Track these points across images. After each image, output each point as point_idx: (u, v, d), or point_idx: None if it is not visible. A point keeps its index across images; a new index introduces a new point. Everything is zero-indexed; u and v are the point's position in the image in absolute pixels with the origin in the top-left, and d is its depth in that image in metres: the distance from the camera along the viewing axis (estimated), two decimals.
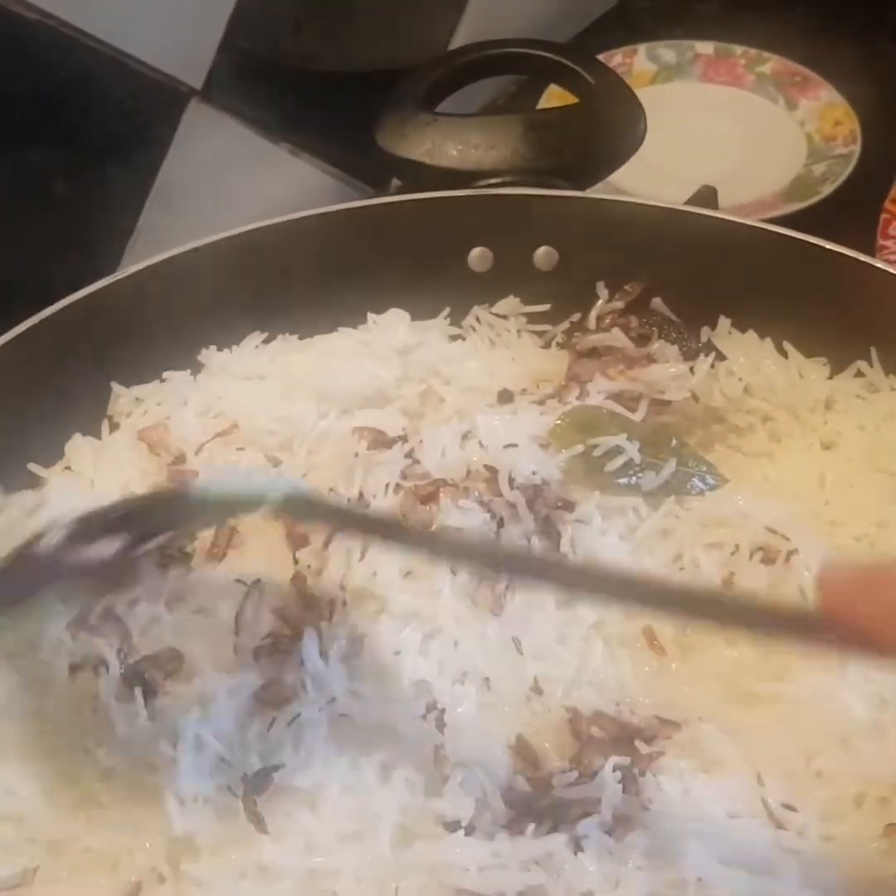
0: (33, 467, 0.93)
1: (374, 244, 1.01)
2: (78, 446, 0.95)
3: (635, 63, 1.62)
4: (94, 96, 1.19)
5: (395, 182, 1.15)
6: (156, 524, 0.74)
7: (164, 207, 1.26)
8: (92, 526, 0.71)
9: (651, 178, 1.42)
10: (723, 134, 1.56)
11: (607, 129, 1.02)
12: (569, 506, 0.87)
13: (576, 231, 1.00)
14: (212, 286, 0.99)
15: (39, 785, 0.75)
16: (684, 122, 1.57)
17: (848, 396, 0.95)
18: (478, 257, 1.02)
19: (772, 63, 1.60)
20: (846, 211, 1.40)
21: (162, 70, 1.22)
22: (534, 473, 0.87)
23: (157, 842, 0.73)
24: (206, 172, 1.29)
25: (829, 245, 0.94)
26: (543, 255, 1.02)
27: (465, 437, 0.90)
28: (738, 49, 1.62)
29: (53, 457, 0.94)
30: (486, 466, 0.87)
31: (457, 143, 1.02)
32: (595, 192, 1.03)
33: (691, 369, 0.95)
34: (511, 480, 0.86)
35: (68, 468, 0.94)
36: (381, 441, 0.90)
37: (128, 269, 0.99)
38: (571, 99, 1.08)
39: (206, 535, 0.83)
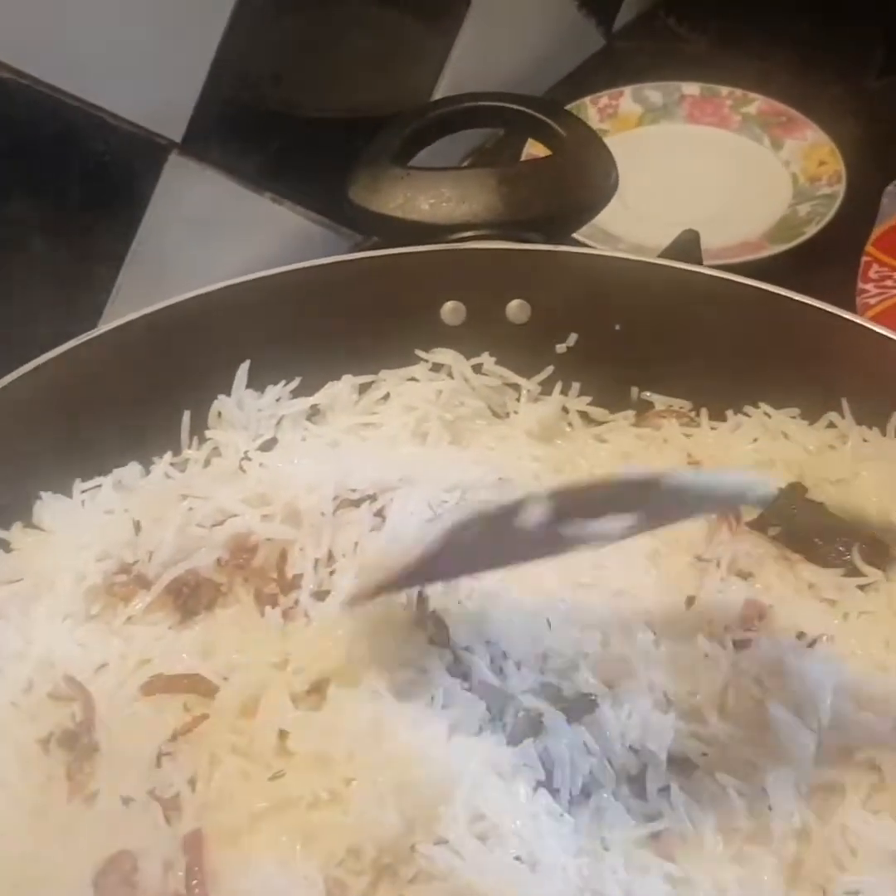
0: None
1: (346, 300, 1.01)
2: (47, 505, 0.94)
3: (621, 105, 1.63)
4: (72, 152, 1.19)
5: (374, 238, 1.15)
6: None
7: (145, 262, 1.26)
8: (580, 501, 0.71)
9: (636, 220, 1.42)
10: (709, 175, 1.56)
11: (578, 181, 1.02)
12: None
13: (547, 284, 1.00)
14: (185, 345, 0.99)
15: None
16: (670, 163, 1.58)
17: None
18: (450, 311, 1.02)
19: (757, 103, 1.61)
20: (831, 250, 1.40)
21: (140, 124, 1.23)
22: None
23: None
24: (187, 224, 1.29)
25: (799, 297, 0.94)
26: (516, 307, 1.01)
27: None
28: (724, 90, 1.63)
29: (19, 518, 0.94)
30: None
31: (429, 197, 1.02)
32: (568, 244, 1.03)
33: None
34: None
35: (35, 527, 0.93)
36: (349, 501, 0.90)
37: (106, 325, 0.98)
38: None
39: None
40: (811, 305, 0.93)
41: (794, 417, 0.97)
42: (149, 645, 0.87)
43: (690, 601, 0.86)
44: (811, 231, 1.43)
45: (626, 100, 1.63)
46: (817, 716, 0.78)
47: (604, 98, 1.62)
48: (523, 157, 1.45)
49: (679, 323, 0.98)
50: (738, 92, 1.62)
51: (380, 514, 0.89)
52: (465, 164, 1.53)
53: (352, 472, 0.96)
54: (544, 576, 0.85)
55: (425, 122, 1.08)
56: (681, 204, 1.48)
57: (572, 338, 1.01)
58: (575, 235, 1.09)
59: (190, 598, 0.89)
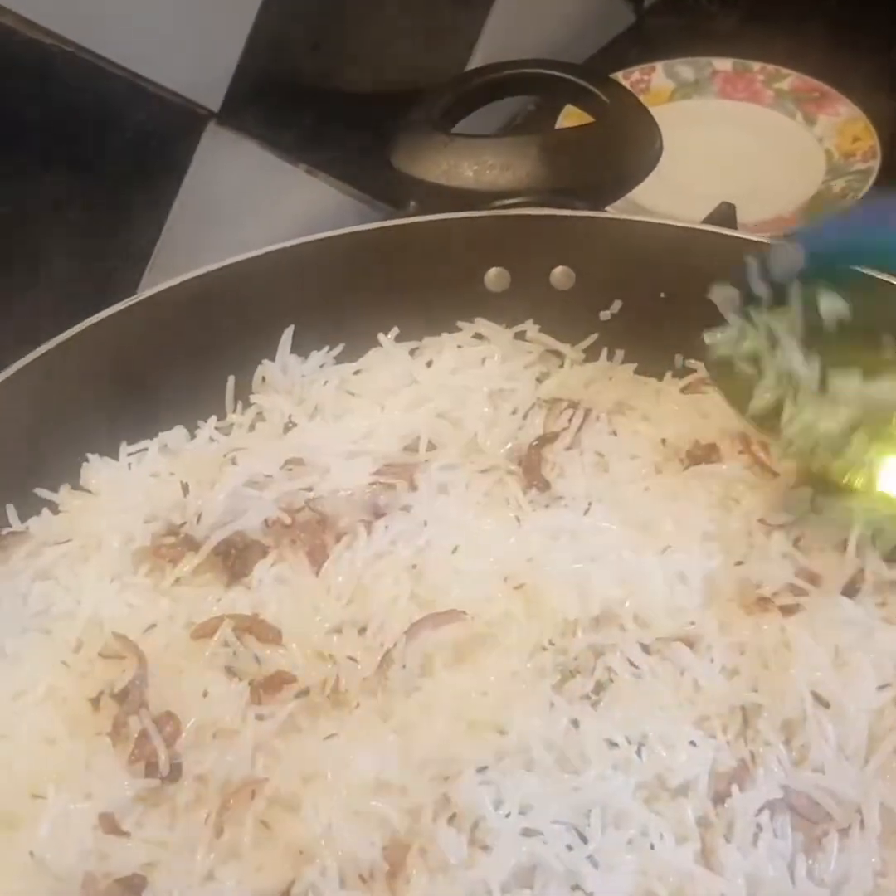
0: (41, 492, 0.93)
1: (390, 266, 1.01)
2: (94, 468, 0.95)
3: (653, 80, 1.62)
4: (111, 121, 1.19)
5: (413, 203, 1.14)
6: None
7: (182, 231, 1.26)
8: None
9: (669, 195, 1.41)
10: (741, 151, 1.55)
11: (622, 148, 1.02)
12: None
13: (592, 250, 0.99)
14: (229, 310, 0.99)
15: None
16: (702, 138, 1.56)
17: None
18: (494, 278, 1.02)
19: (790, 79, 1.60)
20: None
21: (180, 93, 1.23)
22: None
23: None
24: (224, 195, 1.29)
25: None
26: (560, 274, 1.01)
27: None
28: (756, 65, 1.62)
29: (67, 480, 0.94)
30: None
31: (472, 164, 1.02)
32: (611, 211, 1.03)
33: None
34: None
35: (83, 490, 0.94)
36: None
37: (144, 292, 0.99)
38: (589, 119, 1.08)
39: None
40: (860, 273, 0.91)
41: None
42: (197, 606, 0.87)
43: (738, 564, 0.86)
44: (845, 207, 1.42)
45: (658, 75, 1.62)
46: None
47: (636, 73, 1.61)
48: None
49: None
50: (771, 67, 1.61)
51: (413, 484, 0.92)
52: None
53: (395, 436, 0.97)
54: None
55: (468, 88, 1.08)
56: (713, 179, 1.47)
57: (616, 305, 1.01)
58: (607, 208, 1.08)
59: (238, 559, 0.89)
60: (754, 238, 0.98)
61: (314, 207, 1.40)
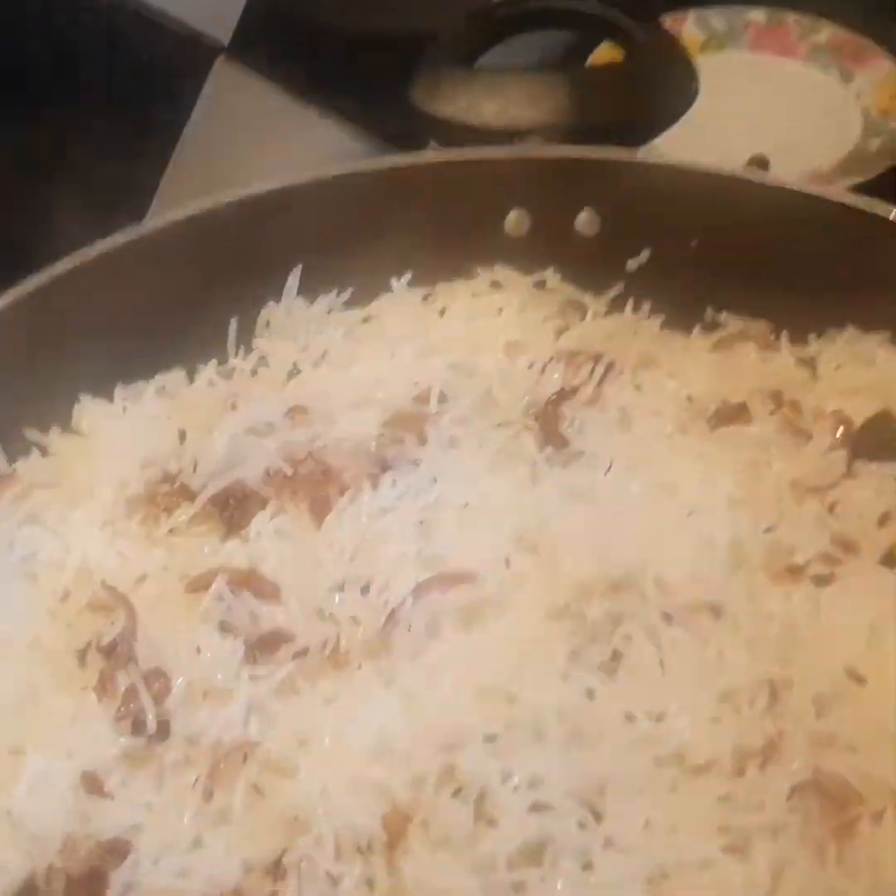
0: (30, 433, 0.89)
1: (404, 207, 0.95)
2: (87, 410, 0.91)
3: (684, 30, 1.55)
4: (118, 53, 1.16)
5: (433, 143, 1.09)
6: None
7: (187, 168, 1.22)
8: None
9: (699, 147, 1.35)
10: (774, 105, 1.49)
11: (658, 86, 0.97)
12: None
13: (620, 194, 0.94)
14: (234, 247, 0.94)
15: None
16: (733, 92, 1.50)
17: None
18: (514, 221, 0.96)
19: (826, 32, 1.53)
20: None
21: (188, 24, 1.19)
22: None
23: None
24: (231, 131, 1.24)
25: (893, 215, 0.88)
26: (585, 219, 0.96)
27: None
28: (792, 17, 1.55)
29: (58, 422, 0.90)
30: None
31: (495, 100, 0.97)
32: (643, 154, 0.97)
33: None
34: None
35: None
36: None
37: (146, 225, 0.94)
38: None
39: None
40: None
41: (881, 343, 0.91)
42: (192, 557, 0.83)
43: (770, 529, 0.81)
44: (882, 166, 1.36)
45: (689, 25, 1.56)
46: None
47: (666, 21, 1.54)
48: None
49: (761, 239, 0.92)
50: (806, 19, 1.54)
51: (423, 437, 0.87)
52: None
53: (405, 386, 0.92)
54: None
55: (493, 22, 1.02)
56: (745, 133, 1.41)
57: (644, 253, 0.96)
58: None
59: (236, 510, 0.85)
60: (796, 187, 0.92)
61: (325, 149, 1.34)
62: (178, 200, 1.09)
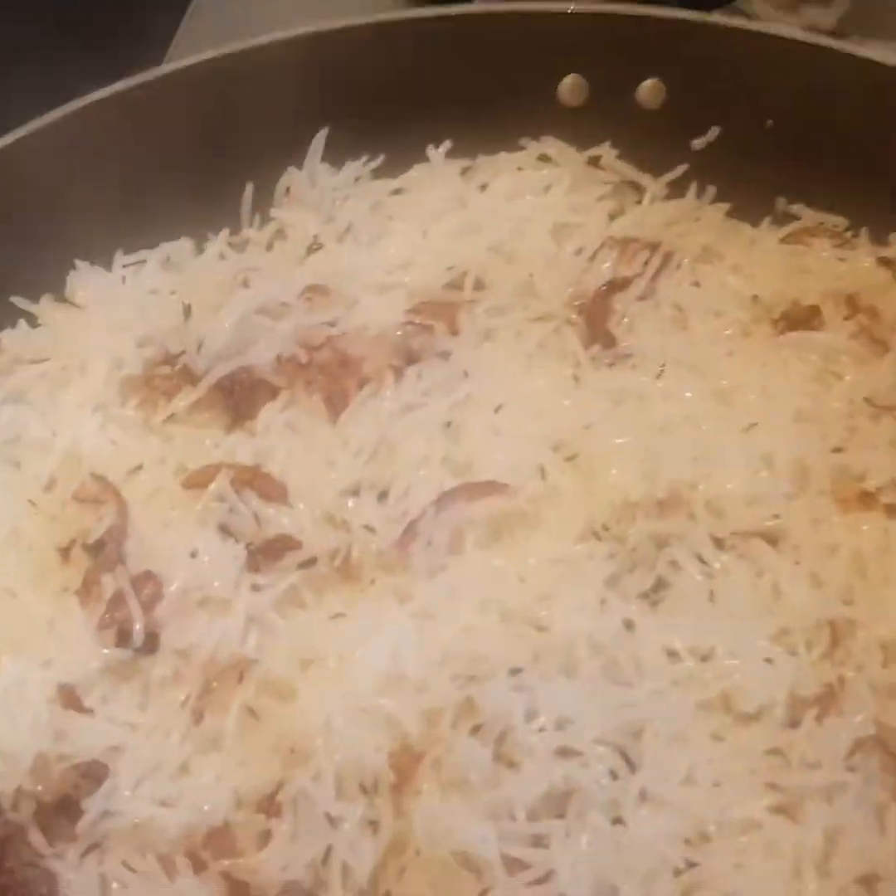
0: (17, 300, 0.84)
1: (446, 66, 0.89)
2: (82, 278, 0.85)
3: None
4: None
5: None
6: None
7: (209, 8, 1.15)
8: None
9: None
10: None
11: None
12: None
13: (690, 62, 0.88)
14: (254, 101, 0.87)
15: None
16: None
17: None
18: (569, 88, 0.91)
19: None
20: None
21: None
22: None
23: None
24: None
25: None
26: (649, 89, 0.90)
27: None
28: None
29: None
30: None
31: None
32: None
33: None
34: None
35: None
36: None
37: (160, 69, 0.89)
38: None
39: None
40: None
41: None
42: (192, 449, 0.79)
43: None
44: None
45: None
46: None
47: None
48: None
49: (846, 122, 0.86)
50: None
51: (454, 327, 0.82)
52: None
53: (437, 268, 0.87)
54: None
55: None
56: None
57: (713, 131, 0.89)
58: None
59: (242, 399, 0.80)
60: (891, 63, 0.83)
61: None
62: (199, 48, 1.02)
